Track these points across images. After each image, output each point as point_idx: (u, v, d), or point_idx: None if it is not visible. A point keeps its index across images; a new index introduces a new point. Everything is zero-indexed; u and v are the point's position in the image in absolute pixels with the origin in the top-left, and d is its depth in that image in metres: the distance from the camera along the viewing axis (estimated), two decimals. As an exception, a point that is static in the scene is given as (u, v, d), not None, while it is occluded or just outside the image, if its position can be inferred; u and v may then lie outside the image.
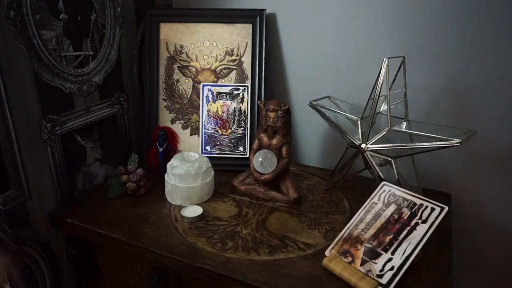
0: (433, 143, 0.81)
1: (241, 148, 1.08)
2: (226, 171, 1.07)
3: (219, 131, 1.08)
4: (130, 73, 1.09)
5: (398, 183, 0.86)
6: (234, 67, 1.10)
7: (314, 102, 0.99)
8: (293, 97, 1.15)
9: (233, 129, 1.08)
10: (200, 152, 1.07)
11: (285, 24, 1.09)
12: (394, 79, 0.93)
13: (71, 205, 0.93)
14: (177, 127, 1.11)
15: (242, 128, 1.08)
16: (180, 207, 0.92)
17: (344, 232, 0.77)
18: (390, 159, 0.88)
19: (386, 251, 0.71)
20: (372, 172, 0.91)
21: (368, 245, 0.73)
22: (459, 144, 0.77)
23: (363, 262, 0.72)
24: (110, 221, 0.87)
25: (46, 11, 0.83)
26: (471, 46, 0.91)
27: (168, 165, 0.94)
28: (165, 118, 1.12)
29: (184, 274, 0.78)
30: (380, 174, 0.88)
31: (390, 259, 0.70)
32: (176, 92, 1.11)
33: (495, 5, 0.87)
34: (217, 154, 1.08)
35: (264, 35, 1.07)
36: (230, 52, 1.09)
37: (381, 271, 0.69)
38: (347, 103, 1.03)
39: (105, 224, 0.87)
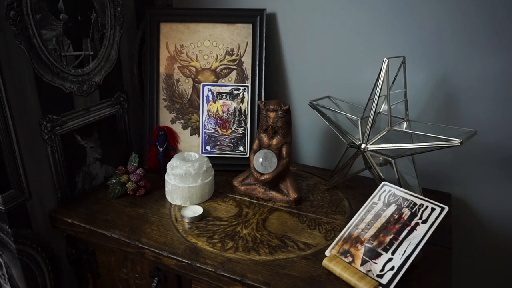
0: (433, 143, 0.81)
1: (241, 148, 1.08)
2: (226, 171, 1.07)
3: (219, 131, 1.08)
4: (130, 73, 1.09)
5: (398, 183, 0.86)
6: (234, 67, 1.10)
7: (314, 102, 0.99)
8: (293, 97, 1.15)
9: (233, 129, 1.08)
10: (200, 152, 1.07)
11: (285, 24, 1.09)
12: (394, 79, 0.93)
13: (71, 205, 0.93)
14: (177, 127, 1.11)
15: (242, 128, 1.08)
16: (180, 207, 0.92)
17: (344, 232, 0.77)
18: (390, 159, 0.88)
19: (386, 251, 0.71)
20: (372, 172, 0.91)
21: (368, 245, 0.73)
22: (459, 144, 0.77)
23: (363, 262, 0.72)
24: (110, 221, 0.87)
25: (46, 11, 0.83)
26: (471, 46, 0.91)
27: (168, 165, 0.94)
28: (165, 118, 1.11)
29: (184, 274, 0.78)
30: (380, 174, 0.88)
31: (390, 259, 0.70)
32: (176, 92, 1.11)
33: (494, 4, 0.87)
34: (217, 154, 1.08)
35: (264, 35, 1.07)
36: (230, 52, 1.09)
37: (381, 271, 0.69)
38: (347, 103, 1.03)
39: (105, 224, 0.87)
